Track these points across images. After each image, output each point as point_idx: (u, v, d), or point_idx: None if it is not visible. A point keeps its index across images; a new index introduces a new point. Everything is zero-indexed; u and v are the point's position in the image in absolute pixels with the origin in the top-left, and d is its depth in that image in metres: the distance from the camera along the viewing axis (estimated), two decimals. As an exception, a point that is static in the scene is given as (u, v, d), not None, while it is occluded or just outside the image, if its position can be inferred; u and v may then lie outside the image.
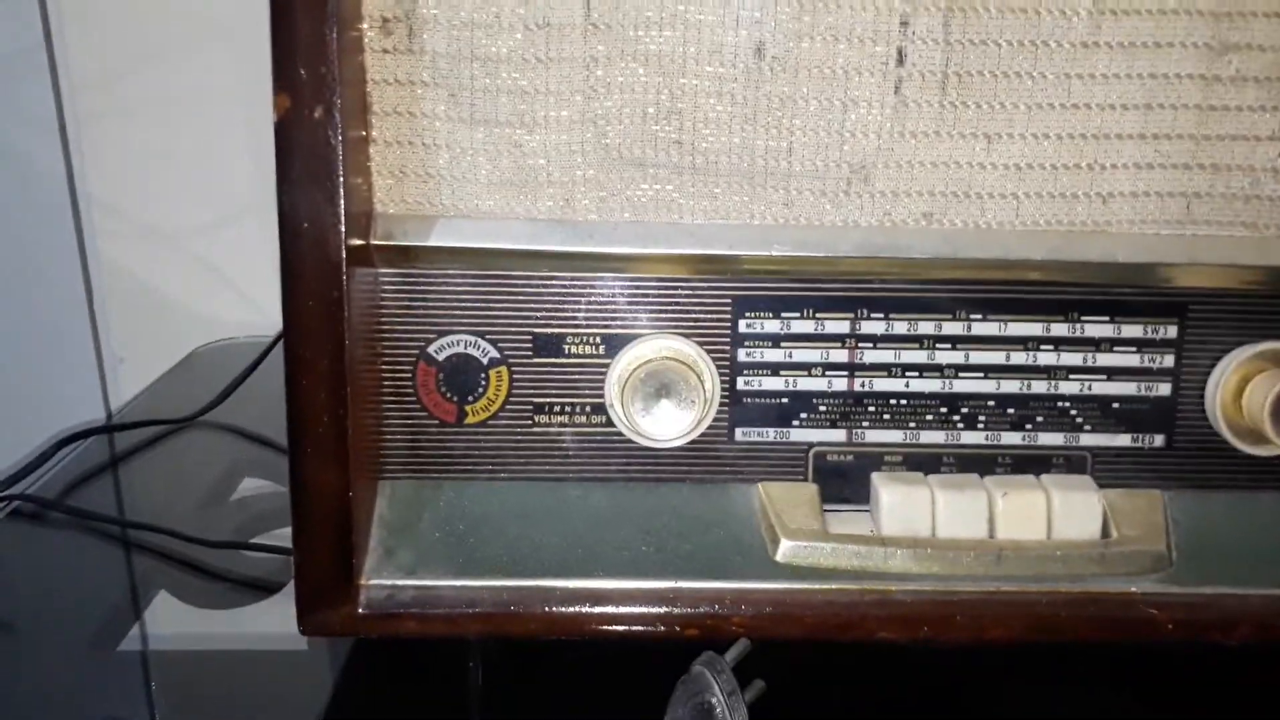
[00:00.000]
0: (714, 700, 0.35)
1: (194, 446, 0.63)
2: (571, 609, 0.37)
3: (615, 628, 0.37)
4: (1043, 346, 0.40)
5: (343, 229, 0.34)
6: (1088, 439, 0.41)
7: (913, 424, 0.40)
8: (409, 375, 0.39)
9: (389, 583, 0.37)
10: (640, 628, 0.37)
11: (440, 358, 0.39)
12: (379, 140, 0.37)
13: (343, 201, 0.34)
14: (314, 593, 0.36)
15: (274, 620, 0.45)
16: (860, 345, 0.39)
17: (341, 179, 0.34)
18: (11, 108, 0.79)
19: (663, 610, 0.37)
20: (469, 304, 0.39)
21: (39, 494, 0.54)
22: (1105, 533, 0.39)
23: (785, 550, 0.38)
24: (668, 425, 0.38)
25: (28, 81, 0.78)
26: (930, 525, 0.39)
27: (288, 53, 0.33)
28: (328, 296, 0.34)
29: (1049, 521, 0.39)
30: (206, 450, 0.63)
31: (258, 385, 0.67)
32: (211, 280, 0.84)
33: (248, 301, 0.83)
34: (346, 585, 0.37)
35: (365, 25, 0.36)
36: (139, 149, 0.80)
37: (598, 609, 0.37)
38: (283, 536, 0.51)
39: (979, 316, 0.40)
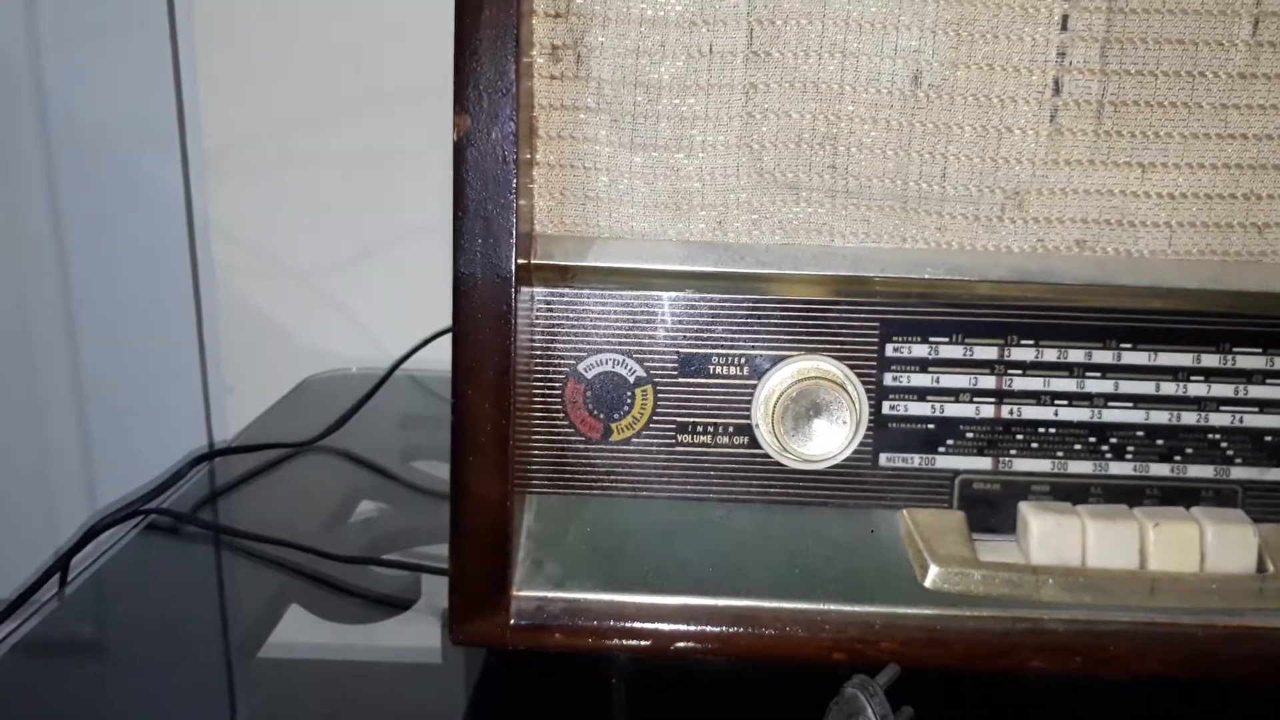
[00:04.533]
0: (867, 723, 0.34)
1: (312, 470, 0.64)
2: (720, 628, 0.37)
3: (763, 648, 0.37)
4: (1193, 377, 0.40)
5: (514, 245, 0.35)
6: (1239, 472, 0.40)
7: (1060, 453, 0.40)
8: (559, 392, 0.40)
9: (539, 594, 0.38)
10: (788, 649, 0.37)
11: (589, 375, 0.40)
12: (542, 163, 0.38)
13: (515, 219, 0.35)
14: (469, 602, 0.37)
15: (408, 637, 0.45)
16: (1009, 372, 0.39)
17: (515, 198, 0.35)
18: (139, 132, 0.81)
19: (811, 633, 0.37)
20: (619, 324, 0.39)
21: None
22: (1260, 568, 0.39)
23: (935, 576, 0.38)
24: (819, 444, 0.38)
25: (155, 122, 0.81)
26: (1080, 555, 0.38)
27: (471, 77, 0.34)
28: (498, 310, 0.35)
29: (1202, 554, 0.38)
30: (323, 474, 0.64)
31: (369, 415, 0.69)
32: (327, 313, 0.84)
33: (364, 334, 0.83)
34: (501, 595, 0.37)
35: (536, 52, 0.37)
36: (265, 181, 0.82)
37: (746, 629, 0.37)
38: (410, 555, 0.52)
39: (1129, 345, 0.39)
